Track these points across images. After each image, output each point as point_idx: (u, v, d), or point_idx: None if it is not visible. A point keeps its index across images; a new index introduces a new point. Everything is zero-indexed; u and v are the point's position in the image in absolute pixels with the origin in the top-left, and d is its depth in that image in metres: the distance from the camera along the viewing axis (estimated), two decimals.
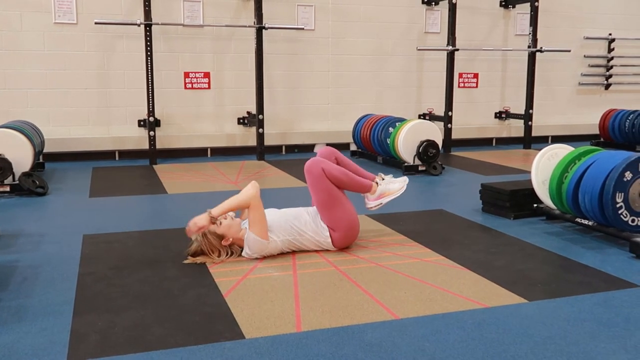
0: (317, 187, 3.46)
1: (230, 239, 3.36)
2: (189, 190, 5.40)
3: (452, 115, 7.87)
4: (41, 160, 6.42)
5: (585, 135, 8.83)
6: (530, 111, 8.24)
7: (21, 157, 5.21)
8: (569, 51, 8.64)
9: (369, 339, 2.40)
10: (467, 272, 3.20)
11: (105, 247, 3.63)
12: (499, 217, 4.39)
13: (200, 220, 3.27)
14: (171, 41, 7.17)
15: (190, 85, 7.32)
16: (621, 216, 3.57)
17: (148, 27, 6.63)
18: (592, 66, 9.12)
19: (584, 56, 9.03)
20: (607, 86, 9.24)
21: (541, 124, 8.71)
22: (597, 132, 8.51)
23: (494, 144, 8.77)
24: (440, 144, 6.29)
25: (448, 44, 7.82)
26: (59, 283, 3.01)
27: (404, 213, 4.47)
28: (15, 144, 5.24)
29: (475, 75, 8.54)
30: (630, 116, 7.90)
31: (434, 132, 6.27)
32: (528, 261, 3.42)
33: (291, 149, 7.87)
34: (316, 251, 3.51)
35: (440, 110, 8.05)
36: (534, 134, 8.36)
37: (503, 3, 8.47)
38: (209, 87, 7.40)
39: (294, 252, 3.49)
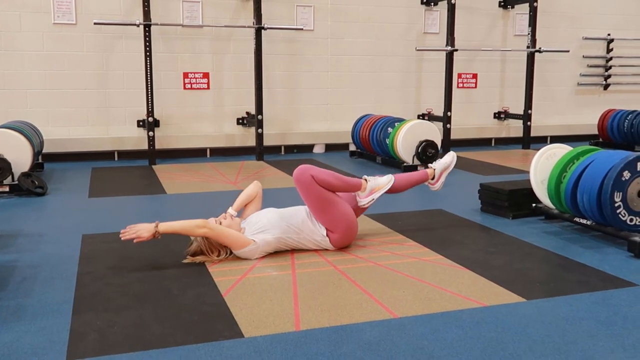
0: (309, 195, 3.44)
1: None
2: (188, 190, 5.41)
3: (451, 116, 7.88)
4: (40, 161, 6.42)
5: (584, 135, 8.84)
6: (529, 111, 8.26)
7: (20, 158, 5.21)
8: (568, 51, 8.66)
9: (367, 337, 2.41)
10: (465, 272, 3.20)
11: (105, 247, 3.63)
12: (497, 217, 4.39)
13: (143, 232, 3.16)
14: (170, 41, 7.18)
15: (189, 86, 7.33)
16: (619, 215, 3.58)
17: (147, 27, 6.64)
18: (591, 66, 9.14)
19: (583, 56, 9.05)
20: (606, 86, 9.25)
21: (540, 124, 8.73)
22: (596, 132, 8.52)
23: (493, 144, 8.78)
24: (439, 144, 6.30)
25: (447, 45, 7.82)
26: (58, 283, 3.01)
27: (403, 213, 4.48)
28: (14, 144, 5.24)
29: (474, 76, 8.55)
30: (629, 116, 7.91)
31: (433, 133, 6.28)
32: (526, 260, 3.43)
33: (290, 149, 7.88)
34: (315, 250, 3.52)
35: (439, 111, 8.05)
36: (532, 134, 8.37)
37: (502, 3, 8.48)
38: (208, 88, 7.41)
39: (293, 251, 3.49)
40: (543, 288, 2.99)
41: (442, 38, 8.07)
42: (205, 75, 7.37)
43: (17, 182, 5.10)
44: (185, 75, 7.30)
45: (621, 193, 3.56)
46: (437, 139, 6.27)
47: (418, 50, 8.01)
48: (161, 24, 6.86)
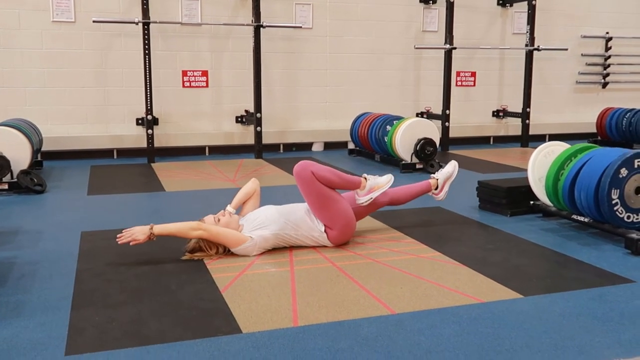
0: (309, 191, 3.46)
1: None
2: (187, 187, 5.42)
3: (449, 114, 7.90)
4: (39, 159, 6.43)
5: (583, 133, 8.85)
6: (528, 109, 8.27)
7: (19, 155, 5.22)
8: (566, 50, 8.66)
9: (365, 333, 2.42)
10: (463, 268, 3.22)
11: (104, 243, 3.64)
12: (495, 214, 4.41)
13: (138, 234, 3.19)
14: (169, 39, 7.18)
15: (188, 84, 7.34)
16: (617, 212, 3.59)
17: (146, 25, 6.64)
18: (590, 65, 9.15)
19: (581, 55, 9.06)
20: (604, 85, 9.26)
21: (538, 123, 8.74)
22: (594, 130, 8.54)
23: (491, 143, 8.79)
24: (437, 142, 6.31)
25: (446, 43, 7.84)
26: (57, 279, 3.02)
27: (401, 210, 4.48)
28: (13, 142, 5.25)
29: (473, 74, 8.56)
30: (627, 114, 7.92)
31: (432, 130, 6.29)
32: (524, 257, 3.44)
33: (289, 147, 7.89)
34: (313, 247, 3.53)
35: (437, 109, 8.07)
36: (531, 132, 8.38)
37: (500, 2, 8.49)
38: (206, 86, 7.42)
39: (291, 248, 3.50)
40: (540, 284, 3.00)
41: (440, 36, 8.08)
42: (204, 73, 7.38)
43: (16, 180, 5.11)
44: (184, 73, 7.31)
45: (618, 190, 3.58)
46: (436, 137, 6.28)
47: (417, 48, 8.02)
48: (160, 22, 6.86)
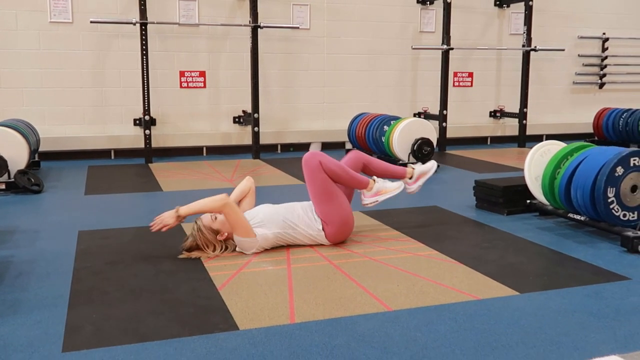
0: (313, 180, 3.49)
1: (225, 234, 3.38)
2: (185, 187, 5.42)
3: (447, 114, 7.91)
4: (37, 159, 6.43)
5: (580, 134, 8.87)
6: (525, 110, 8.29)
7: (16, 155, 5.22)
8: (563, 50, 8.69)
9: (361, 329, 2.42)
10: (459, 266, 3.22)
11: (101, 242, 3.64)
12: (492, 213, 4.42)
13: (167, 219, 3.30)
14: (167, 40, 7.19)
15: (185, 84, 7.34)
16: (613, 211, 3.60)
17: (143, 26, 6.65)
18: (586, 65, 9.17)
19: (578, 55, 9.08)
20: (601, 85, 9.29)
21: (536, 123, 8.75)
22: (591, 130, 8.56)
23: (488, 143, 8.81)
24: (434, 142, 6.31)
25: (443, 43, 7.86)
26: (54, 277, 3.03)
27: (398, 209, 4.50)
28: (10, 141, 5.25)
29: (470, 74, 8.58)
30: (624, 115, 7.94)
31: (429, 130, 6.30)
32: (520, 255, 3.45)
33: (287, 147, 7.90)
34: (310, 246, 3.54)
35: (435, 109, 8.08)
36: (528, 132, 8.40)
37: (497, 2, 8.52)
38: (204, 86, 7.42)
39: (288, 246, 3.51)
40: (536, 282, 3.01)
41: (438, 37, 8.09)
42: (202, 73, 7.39)
43: (13, 180, 5.11)
44: (182, 73, 7.31)
45: (614, 189, 3.59)
46: (433, 137, 6.29)
47: (414, 48, 8.03)
48: (157, 23, 6.87)
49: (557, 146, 4.26)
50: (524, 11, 8.15)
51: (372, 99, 8.12)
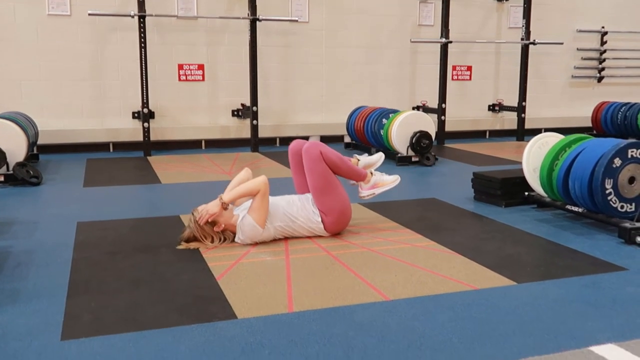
0: (314, 170, 3.49)
1: (223, 225, 3.38)
2: (183, 180, 5.42)
3: (445, 108, 7.91)
4: (35, 152, 6.42)
5: (578, 127, 8.85)
6: (524, 104, 8.29)
7: (15, 147, 5.22)
8: (562, 44, 8.68)
9: (359, 318, 2.43)
10: (457, 257, 3.23)
11: (100, 233, 3.65)
12: (490, 205, 4.42)
13: (212, 208, 3.32)
14: (165, 33, 7.18)
15: (184, 77, 7.33)
16: (610, 202, 3.61)
17: (142, 18, 6.64)
18: (585, 59, 9.17)
19: (577, 49, 9.08)
20: (600, 79, 9.28)
21: (534, 117, 8.75)
22: (589, 124, 8.57)
23: (487, 137, 8.81)
24: (433, 135, 6.32)
25: (441, 37, 7.85)
26: (53, 267, 3.03)
27: (397, 201, 4.50)
28: (9, 134, 5.25)
29: (469, 68, 8.58)
30: (623, 108, 7.95)
31: (427, 124, 6.30)
32: (518, 246, 3.46)
33: (285, 141, 7.89)
34: (309, 237, 3.54)
35: (433, 103, 8.08)
36: (527, 126, 8.40)
37: None
38: (203, 79, 7.41)
39: (286, 238, 3.52)
40: (534, 272, 3.02)
41: (436, 30, 8.09)
42: (200, 67, 7.38)
43: (12, 172, 5.11)
44: (180, 66, 7.30)
45: (612, 180, 3.60)
46: (432, 130, 6.29)
47: (413, 42, 8.03)
48: (156, 15, 6.86)
49: (555, 138, 4.27)
50: (522, 4, 8.14)
51: (371, 92, 8.12)
